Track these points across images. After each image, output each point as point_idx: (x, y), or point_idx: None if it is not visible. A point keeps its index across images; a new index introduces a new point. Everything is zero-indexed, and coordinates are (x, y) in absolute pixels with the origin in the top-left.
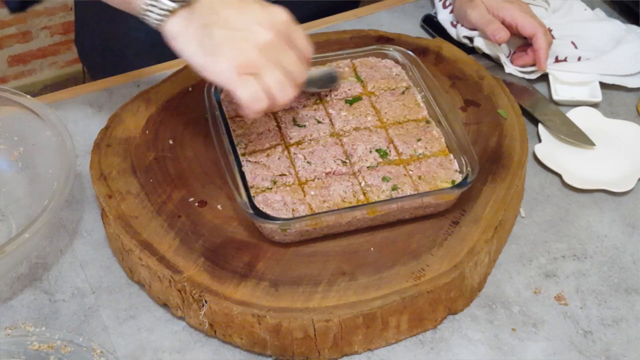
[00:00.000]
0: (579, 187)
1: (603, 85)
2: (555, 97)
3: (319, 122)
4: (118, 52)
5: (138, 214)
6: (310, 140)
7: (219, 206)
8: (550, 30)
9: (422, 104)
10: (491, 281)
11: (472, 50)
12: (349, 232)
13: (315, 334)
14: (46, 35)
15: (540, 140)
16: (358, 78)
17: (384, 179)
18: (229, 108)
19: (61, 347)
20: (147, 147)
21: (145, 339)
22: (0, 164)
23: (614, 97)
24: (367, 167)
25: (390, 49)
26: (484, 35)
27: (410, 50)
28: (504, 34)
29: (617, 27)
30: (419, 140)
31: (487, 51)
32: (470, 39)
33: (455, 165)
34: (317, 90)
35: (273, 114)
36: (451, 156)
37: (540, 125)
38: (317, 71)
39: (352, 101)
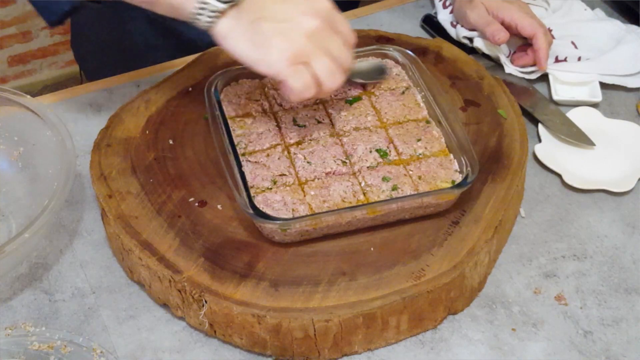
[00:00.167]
0: (579, 187)
1: (603, 85)
2: (555, 97)
3: (319, 122)
4: (114, 55)
5: (138, 214)
6: (310, 140)
7: (219, 206)
8: (550, 30)
9: (422, 104)
10: (491, 281)
11: (472, 50)
12: (349, 232)
13: (315, 334)
14: (46, 35)
15: (540, 140)
16: None
17: (384, 179)
18: (229, 108)
19: (61, 347)
20: (147, 147)
21: (145, 339)
22: (0, 164)
23: (614, 97)
24: (367, 167)
25: (390, 49)
26: (484, 36)
27: (410, 50)
28: (504, 35)
29: (617, 27)
30: (419, 140)
31: (487, 51)
32: (470, 40)
33: (455, 165)
34: (364, 82)
35: (273, 114)
36: (451, 156)
37: (540, 125)
38: (366, 63)
39: (352, 101)
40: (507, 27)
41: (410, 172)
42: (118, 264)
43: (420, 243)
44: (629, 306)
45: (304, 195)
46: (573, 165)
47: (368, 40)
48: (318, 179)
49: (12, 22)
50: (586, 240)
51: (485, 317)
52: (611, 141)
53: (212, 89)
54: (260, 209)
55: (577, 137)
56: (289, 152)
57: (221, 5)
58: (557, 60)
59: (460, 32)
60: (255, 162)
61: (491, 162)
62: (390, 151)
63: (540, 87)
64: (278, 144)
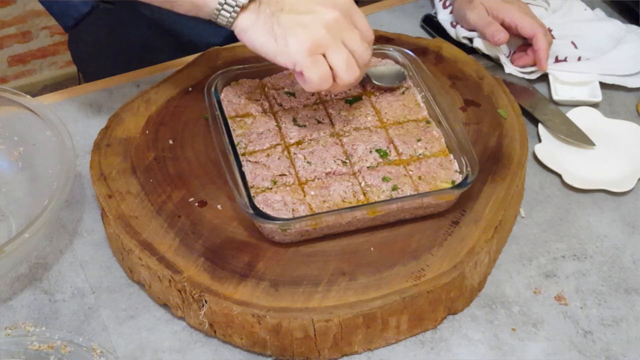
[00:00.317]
0: (579, 187)
1: (603, 85)
2: (555, 97)
3: (319, 122)
4: (112, 57)
5: (138, 214)
6: (310, 140)
7: (219, 206)
8: (550, 30)
9: (422, 104)
10: (491, 281)
11: (472, 50)
12: (349, 232)
13: (315, 334)
14: (46, 35)
15: (540, 140)
16: None
17: (384, 179)
18: (229, 108)
19: (61, 347)
20: (147, 147)
21: (145, 339)
22: (0, 164)
23: (614, 97)
24: (367, 167)
25: (390, 49)
26: (484, 37)
27: (410, 50)
28: (503, 36)
29: (617, 27)
30: (419, 140)
31: (486, 52)
32: (470, 40)
33: (455, 166)
34: (384, 86)
35: (273, 114)
36: (451, 156)
37: (540, 125)
38: (386, 68)
39: (352, 101)
40: (507, 27)
41: (410, 173)
42: (118, 264)
43: (420, 243)
44: (629, 306)
45: (304, 195)
46: (573, 165)
47: None
48: (318, 179)
49: (12, 22)
50: (586, 240)
51: (485, 317)
52: (611, 141)
53: (212, 89)
54: (260, 209)
55: (577, 137)
56: (289, 152)
57: (242, 0)
58: (557, 60)
59: (460, 33)
60: (255, 162)
61: (491, 162)
62: (390, 151)
63: (540, 87)
64: (278, 144)
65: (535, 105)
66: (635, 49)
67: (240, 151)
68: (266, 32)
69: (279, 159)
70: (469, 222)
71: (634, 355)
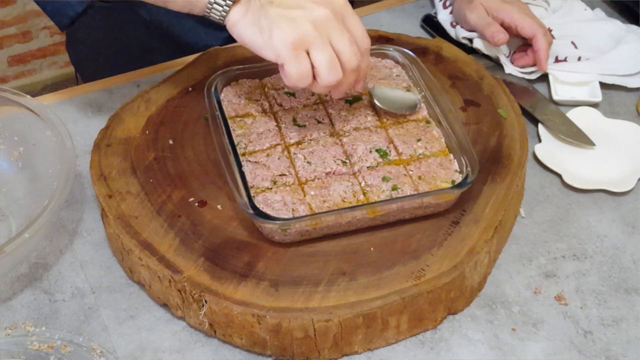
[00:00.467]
0: (579, 187)
1: (603, 85)
2: (555, 97)
3: (319, 122)
4: (110, 58)
5: (138, 214)
6: (310, 140)
7: (219, 206)
8: (550, 30)
9: (422, 104)
10: (491, 281)
11: (472, 50)
12: (349, 232)
13: (315, 334)
14: (46, 35)
15: (540, 140)
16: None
17: (384, 179)
18: (229, 108)
19: (61, 347)
20: (147, 147)
21: (145, 339)
22: (0, 164)
23: (614, 97)
24: (367, 167)
25: (390, 49)
26: (483, 37)
27: (410, 50)
28: (503, 37)
29: (617, 27)
30: (419, 140)
31: (486, 52)
32: (470, 40)
33: (455, 165)
34: (393, 111)
35: (273, 114)
36: (451, 156)
37: (540, 125)
38: (403, 95)
39: (352, 101)
40: (507, 28)
41: (410, 172)
42: (118, 264)
43: (420, 243)
44: (629, 306)
45: (304, 195)
46: (573, 165)
47: None
48: (318, 179)
49: (12, 22)
50: (586, 240)
51: (485, 317)
52: (611, 141)
53: (212, 89)
54: (260, 209)
55: (577, 137)
56: (289, 152)
57: None
58: (557, 60)
59: (459, 33)
60: (255, 162)
61: (491, 162)
62: (390, 151)
63: (540, 87)
64: (278, 144)
65: (535, 105)
66: (635, 49)
67: (240, 151)
68: (253, 24)
69: (279, 159)
70: (469, 222)
71: (634, 355)
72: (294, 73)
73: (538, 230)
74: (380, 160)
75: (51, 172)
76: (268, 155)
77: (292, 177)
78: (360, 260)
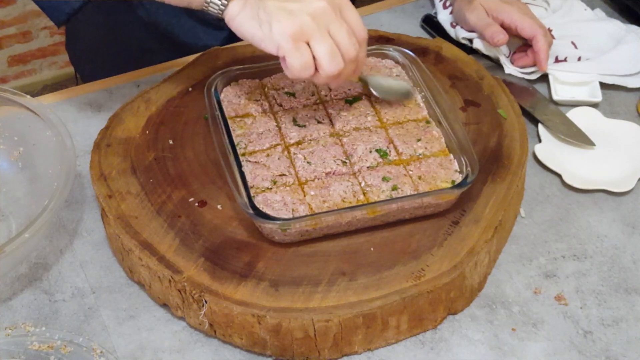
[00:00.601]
0: (579, 187)
1: (603, 85)
2: (555, 97)
3: (319, 122)
4: (109, 58)
5: (138, 214)
6: (310, 140)
7: (219, 206)
8: (550, 31)
9: (422, 104)
10: (491, 281)
11: (472, 50)
12: (349, 232)
13: (315, 334)
14: (46, 35)
15: (540, 140)
16: (358, 78)
17: (384, 179)
18: (229, 108)
19: (61, 347)
20: (147, 147)
21: (145, 339)
22: (0, 164)
23: (614, 97)
24: (367, 167)
25: (390, 49)
26: (483, 38)
27: (410, 50)
28: (503, 37)
29: (617, 27)
30: (419, 140)
31: (486, 52)
32: (470, 40)
33: (455, 165)
34: (390, 99)
35: (273, 114)
36: (451, 156)
37: (540, 125)
38: (396, 83)
39: (352, 101)
40: (507, 28)
41: (410, 172)
42: (118, 264)
43: (420, 243)
44: (629, 306)
45: (304, 195)
46: (573, 165)
47: (368, 41)
48: (318, 179)
49: (12, 22)
50: (586, 240)
51: (485, 317)
52: (611, 141)
53: (212, 89)
54: (260, 209)
55: (577, 137)
56: (289, 152)
57: None
58: (557, 60)
59: (459, 33)
60: (255, 162)
61: (491, 162)
62: (390, 151)
63: (540, 87)
64: (278, 144)
65: (535, 105)
66: (635, 49)
67: (240, 151)
68: (252, 17)
69: (278, 159)
70: (469, 222)
71: (634, 355)
72: (297, 64)
73: (538, 230)
74: (380, 160)
75: (51, 172)
76: (268, 155)
77: (292, 177)
78: (360, 260)
